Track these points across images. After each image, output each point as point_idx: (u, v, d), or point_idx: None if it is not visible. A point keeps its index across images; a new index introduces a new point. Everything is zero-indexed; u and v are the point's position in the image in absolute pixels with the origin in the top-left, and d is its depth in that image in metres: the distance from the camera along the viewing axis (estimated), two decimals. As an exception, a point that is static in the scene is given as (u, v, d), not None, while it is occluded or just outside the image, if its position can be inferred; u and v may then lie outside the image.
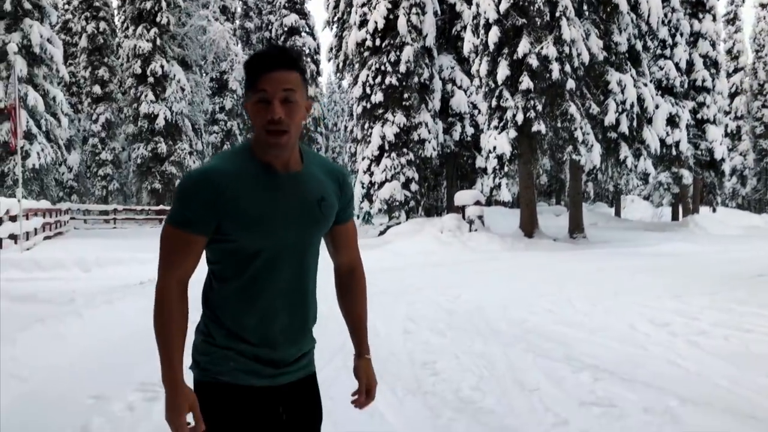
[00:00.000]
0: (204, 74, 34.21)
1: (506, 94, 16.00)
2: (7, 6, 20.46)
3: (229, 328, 1.48)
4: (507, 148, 15.90)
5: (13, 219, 13.65)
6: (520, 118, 15.69)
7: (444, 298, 7.58)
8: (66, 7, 35.84)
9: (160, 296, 1.41)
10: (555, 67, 15.30)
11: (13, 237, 13.66)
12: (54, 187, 25.98)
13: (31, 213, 16.27)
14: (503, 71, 15.81)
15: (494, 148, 16.08)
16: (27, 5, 20.92)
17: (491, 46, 15.98)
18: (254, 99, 1.39)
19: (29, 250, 14.00)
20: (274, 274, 1.47)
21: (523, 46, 15.49)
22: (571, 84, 15.61)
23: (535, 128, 15.65)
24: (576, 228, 18.47)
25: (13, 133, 12.50)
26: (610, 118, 16.53)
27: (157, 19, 27.39)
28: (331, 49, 28.11)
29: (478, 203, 16.96)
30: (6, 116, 15.66)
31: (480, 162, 21.97)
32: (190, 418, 1.41)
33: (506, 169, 16.33)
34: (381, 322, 6.04)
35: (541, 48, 15.49)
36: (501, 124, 16.25)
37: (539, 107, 15.72)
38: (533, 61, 15.41)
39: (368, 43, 21.12)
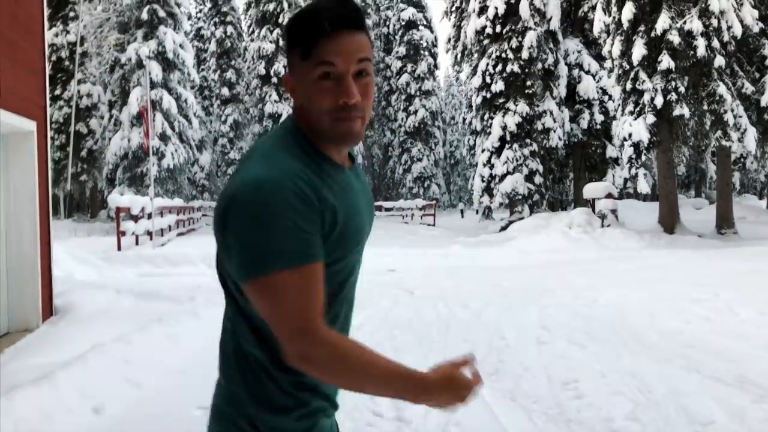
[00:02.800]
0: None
1: (643, 75, 14.57)
2: (144, 15, 21.81)
3: (315, 386, 1.05)
4: (644, 135, 14.48)
5: (149, 216, 14.41)
6: (659, 101, 14.22)
7: (579, 302, 6.80)
8: (198, 15, 38.03)
9: (327, 349, 0.96)
10: (700, 42, 13.69)
11: (149, 233, 14.42)
12: (187, 185, 27.55)
13: (165, 210, 17.19)
14: (639, 50, 14.41)
15: (630, 135, 14.72)
16: (162, 14, 22.19)
17: (625, 24, 14.61)
18: (315, 73, 1.00)
19: (164, 245, 14.74)
20: (352, 295, 1.16)
21: (663, 21, 14.00)
22: (720, 61, 13.91)
23: (677, 112, 14.12)
24: (724, 222, 16.56)
25: (145, 134, 13.15)
26: (767, 98, 14.58)
27: (279, 20, 28.20)
28: (449, 40, 27.46)
29: (610, 196, 15.64)
30: (141, 119, 16.58)
31: (611, 151, 20.44)
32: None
33: (643, 158, 14.89)
34: (510, 328, 5.43)
35: (684, 22, 13.93)
36: (637, 108, 14.84)
37: (681, 89, 14.16)
38: (674, 38, 13.89)
39: (488, 30, 20.30)
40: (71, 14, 25.35)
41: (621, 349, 4.80)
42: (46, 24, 5.46)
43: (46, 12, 5.56)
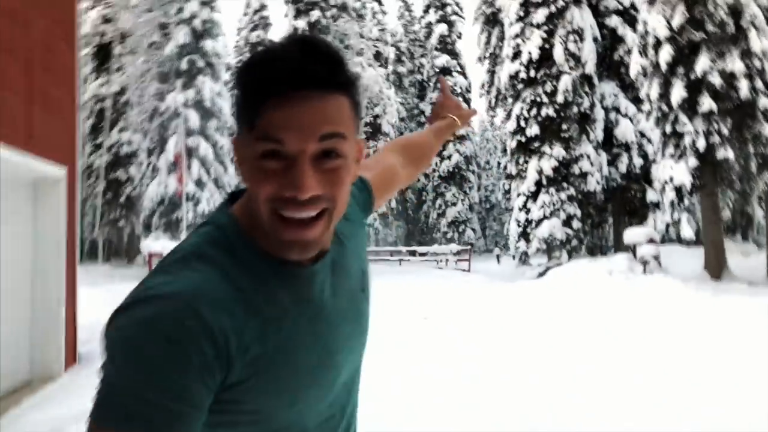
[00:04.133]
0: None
1: (683, 118, 14.20)
2: (183, 66, 22.47)
3: None
4: (686, 178, 14.01)
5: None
6: (701, 144, 13.79)
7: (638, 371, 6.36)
8: (238, 65, 39.14)
9: None
10: (743, 84, 13.30)
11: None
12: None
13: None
14: (678, 92, 14.08)
15: (671, 178, 14.26)
16: (200, 64, 22.85)
17: (663, 66, 14.34)
18: (257, 149, 0.70)
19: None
20: None
21: (702, 63, 13.70)
22: (765, 102, 13.48)
23: (720, 155, 13.65)
24: (775, 269, 15.77)
25: (179, 180, 13.28)
26: (816, 139, 14.01)
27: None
28: (483, 85, 27.64)
29: (652, 241, 15.09)
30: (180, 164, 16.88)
31: (651, 195, 19.91)
32: None
33: (686, 201, 14.38)
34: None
35: (725, 64, 13.60)
36: (678, 152, 14.42)
37: (725, 131, 13.72)
38: (715, 80, 13.55)
39: (522, 75, 20.26)
40: (115, 66, 26.27)
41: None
42: (79, 73, 5.50)
43: (79, 62, 5.61)
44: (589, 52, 19.49)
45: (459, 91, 38.05)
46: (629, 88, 19.93)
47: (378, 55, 34.53)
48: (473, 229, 38.62)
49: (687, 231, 14.38)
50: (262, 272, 0.73)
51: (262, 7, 36.62)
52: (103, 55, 26.78)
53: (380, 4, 39.93)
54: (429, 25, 40.63)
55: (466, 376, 5.49)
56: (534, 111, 19.83)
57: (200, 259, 0.71)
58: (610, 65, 21.29)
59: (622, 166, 20.36)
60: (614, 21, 20.95)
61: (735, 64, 13.43)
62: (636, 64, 15.36)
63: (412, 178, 1.30)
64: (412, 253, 29.53)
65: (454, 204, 37.38)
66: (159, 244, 13.31)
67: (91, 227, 29.31)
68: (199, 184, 22.31)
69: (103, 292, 10.71)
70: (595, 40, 20.16)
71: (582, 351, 6.69)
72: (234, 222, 0.76)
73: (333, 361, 0.80)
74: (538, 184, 19.75)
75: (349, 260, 0.87)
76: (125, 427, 0.61)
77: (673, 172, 14.11)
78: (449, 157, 37.59)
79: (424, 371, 5.72)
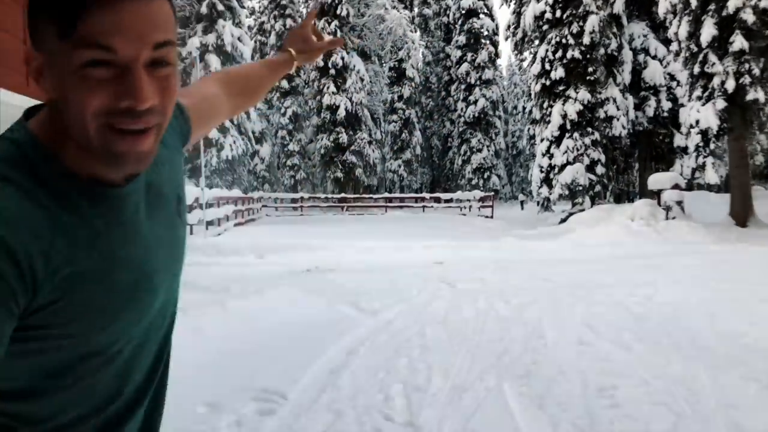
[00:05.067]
0: (382, 64, 34.79)
1: (712, 57, 13.64)
2: (204, 10, 22.22)
3: None
4: (713, 121, 13.57)
5: (206, 206, 14.65)
6: (730, 85, 13.28)
7: (633, 300, 6.33)
8: (261, 9, 38.59)
9: None
10: (778, 20, 12.69)
11: (204, 223, 14.66)
12: (247, 176, 28.01)
13: (222, 201, 17.47)
14: (708, 31, 13.48)
15: (697, 122, 13.83)
16: (220, 8, 22.56)
17: (693, 3, 13.70)
18: (79, 59, 0.63)
19: (219, 235, 14.96)
20: (129, 378, 0.81)
21: (735, -1, 13.06)
22: (800, 40, 12.88)
23: (750, 96, 13.14)
24: (805, 215, 15.37)
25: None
26: None
27: (338, 12, 28.18)
28: (509, 26, 26.73)
29: (676, 187, 14.78)
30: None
31: (679, 140, 19.36)
32: None
33: (712, 146, 13.96)
34: (551, 327, 5.08)
35: (759, 0, 12.92)
36: (705, 93, 13.92)
37: (756, 71, 13.17)
38: (748, 16, 12.91)
39: (548, 15, 19.59)
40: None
41: (671, 352, 4.38)
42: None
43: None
44: (618, -10, 18.70)
45: (486, 33, 37.03)
46: (659, 29, 19.14)
47: (402, -3, 33.72)
48: (498, 176, 38.25)
49: (712, 176, 14.02)
50: (69, 192, 0.69)
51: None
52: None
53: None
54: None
55: (461, 312, 5.55)
56: (559, 53, 19.25)
57: None
58: (641, 4, 20.42)
59: (650, 111, 19.79)
60: (647, -44, 19.97)
61: (770, -1, 12.77)
62: (665, 1, 14.69)
63: (236, 110, 1.21)
64: (437, 200, 29.48)
65: (480, 150, 36.94)
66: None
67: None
68: (222, 129, 22.37)
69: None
70: (625, -24, 19.30)
71: (587, 292, 6.67)
72: (34, 139, 0.69)
73: (149, 284, 0.77)
74: (562, 128, 19.35)
75: (165, 185, 0.83)
76: None
77: (700, 114, 13.67)
78: (475, 102, 36.93)
79: (424, 309, 5.79)
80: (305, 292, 6.34)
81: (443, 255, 10.55)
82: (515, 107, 52.55)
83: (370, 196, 29.80)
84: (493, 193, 30.19)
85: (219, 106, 1.10)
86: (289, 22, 34.05)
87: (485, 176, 36.90)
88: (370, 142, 30.64)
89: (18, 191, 0.65)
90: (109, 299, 0.71)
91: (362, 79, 29.48)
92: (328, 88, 28.61)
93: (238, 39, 23.00)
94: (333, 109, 28.59)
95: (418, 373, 3.86)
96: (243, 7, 25.62)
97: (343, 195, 28.82)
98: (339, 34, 28.37)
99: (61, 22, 0.62)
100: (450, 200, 29.23)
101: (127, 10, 0.63)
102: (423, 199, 30.24)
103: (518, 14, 25.34)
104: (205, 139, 18.00)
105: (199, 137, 1.06)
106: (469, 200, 27.88)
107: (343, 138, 29.21)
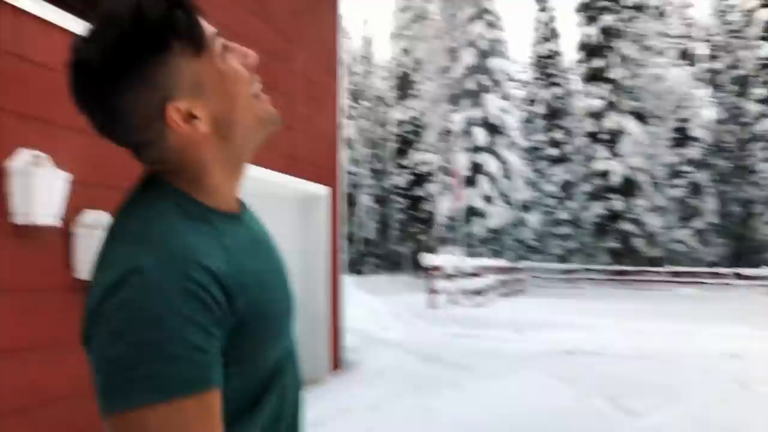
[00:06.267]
0: (663, 124, 32.19)
1: None
2: (470, 85, 23.24)
3: None
4: None
5: (473, 275, 14.73)
6: None
7: None
8: (528, 80, 39.18)
9: None
10: None
11: (468, 293, 14.71)
12: (514, 246, 27.81)
13: (485, 271, 17.44)
14: None
15: None
16: (486, 82, 23.37)
17: None
18: (221, 60, 0.79)
19: (480, 306, 14.85)
20: (296, 385, 0.89)
21: None
22: None
23: None
24: None
25: (456, 197, 13.60)
26: None
27: (610, 75, 27.05)
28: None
29: None
30: (456, 182, 17.37)
31: None
32: None
33: None
34: None
35: None
36: None
37: None
38: None
39: None
40: (413, 92, 28.76)
41: None
42: (340, 101, 5.94)
43: (342, 89, 6.07)
44: None
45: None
46: None
47: (684, 54, 31.11)
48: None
49: None
50: (221, 219, 0.78)
51: (551, 19, 35.99)
52: (402, 84, 29.46)
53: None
54: (749, 12, 35.03)
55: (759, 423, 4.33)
56: None
57: (161, 217, 0.73)
58: None
59: None
60: None
61: None
62: None
63: None
64: (738, 276, 25.35)
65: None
66: (439, 258, 13.78)
67: (398, 240, 32.37)
68: (488, 199, 22.66)
69: (387, 302, 11.46)
70: None
71: None
72: (177, 190, 0.77)
73: (289, 291, 0.86)
74: None
75: (259, 221, 0.93)
76: (174, 391, 0.62)
77: None
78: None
79: (707, 415, 4.69)
80: (559, 379, 5.71)
81: (741, 347, 8.75)
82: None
83: (653, 269, 26.98)
84: (811, 267, 24.97)
85: None
86: (558, 90, 33.87)
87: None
88: (650, 210, 28.14)
89: (192, 229, 0.73)
90: (274, 311, 0.79)
91: (639, 143, 27.54)
92: (599, 153, 27.29)
93: (504, 111, 23.39)
94: (605, 175, 27.07)
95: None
96: (512, 80, 26.20)
97: (621, 268, 26.67)
98: (612, 97, 27.13)
99: (197, 42, 0.75)
100: (756, 277, 24.85)
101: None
102: (719, 275, 26.30)
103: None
104: (469, 208, 18.39)
105: None
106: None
107: (618, 205, 27.34)
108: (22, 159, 2.47)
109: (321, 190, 5.55)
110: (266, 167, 4.50)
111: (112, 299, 0.65)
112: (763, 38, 33.79)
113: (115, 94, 0.70)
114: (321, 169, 5.57)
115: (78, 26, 2.52)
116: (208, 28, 0.77)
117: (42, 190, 2.48)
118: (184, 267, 0.66)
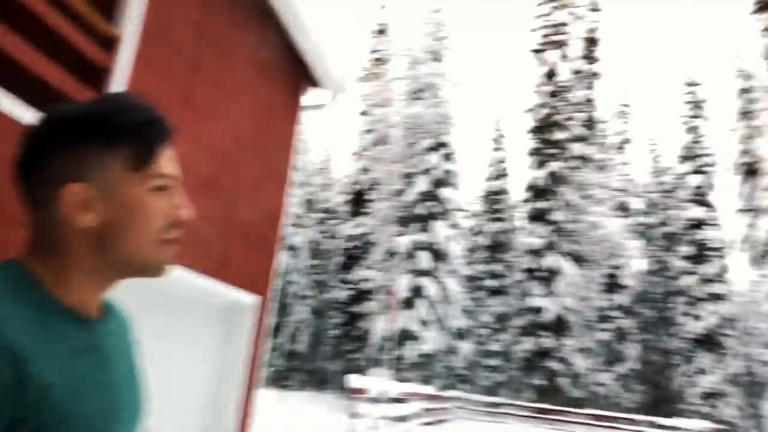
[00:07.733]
0: (597, 269, 33.52)
1: None
2: (421, 210, 23.95)
3: None
4: None
5: (395, 401, 14.37)
6: None
7: None
8: (476, 213, 40.67)
9: None
10: None
11: (389, 418, 14.27)
12: (444, 373, 27.48)
13: (412, 397, 17.06)
14: None
15: None
16: (436, 209, 24.15)
17: None
18: (148, 185, 0.82)
19: (402, 433, 14.36)
20: None
21: None
22: None
23: None
24: None
25: (391, 318, 13.57)
26: None
27: (552, 217, 28.41)
28: (745, 239, 24.43)
29: None
30: (393, 303, 17.39)
31: None
32: None
33: None
34: None
35: None
36: None
37: None
38: None
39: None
40: (366, 210, 29.40)
41: None
42: (285, 214, 6.03)
43: (287, 203, 6.17)
44: None
45: (715, 246, 34.15)
46: None
47: (621, 206, 33.16)
48: (739, 407, 32.50)
49: None
50: (56, 312, 0.76)
51: (504, 159, 38.17)
52: (356, 200, 30.13)
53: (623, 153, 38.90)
54: (681, 176, 38.10)
55: None
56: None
57: None
58: None
59: None
60: None
61: None
62: None
63: None
64: (652, 425, 25.53)
65: (705, 372, 32.20)
66: (365, 381, 13.47)
67: (329, 356, 31.53)
68: (424, 323, 22.64)
69: (308, 420, 11.00)
70: None
71: None
72: (26, 270, 0.77)
73: (119, 414, 0.81)
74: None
75: (125, 333, 0.92)
76: None
77: None
78: (701, 318, 33.13)
79: None
80: None
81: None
82: (757, 327, 45.93)
83: (575, 410, 26.98)
84: (726, 427, 25.45)
85: None
86: (503, 225, 35.19)
87: (713, 405, 31.59)
88: (578, 350, 28.56)
89: (13, 301, 0.71)
90: (84, 422, 0.74)
91: (573, 284, 28.47)
92: (535, 289, 28.01)
93: (449, 239, 24.04)
94: (539, 311, 27.66)
95: None
96: (461, 210, 27.16)
97: (544, 406, 26.54)
98: (551, 238, 28.33)
99: (140, 158, 0.79)
100: (670, 427, 25.10)
101: (172, 153, 0.85)
102: (635, 422, 26.44)
103: (752, 227, 23.17)
104: (403, 330, 18.31)
105: None
106: (690, 430, 23.76)
107: (548, 342, 27.69)
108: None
109: (250, 299, 5.47)
110: (194, 269, 4.44)
111: None
112: (691, 201, 36.48)
113: (57, 141, 0.76)
114: (255, 277, 5.52)
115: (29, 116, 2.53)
116: (170, 166, 0.82)
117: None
118: None
